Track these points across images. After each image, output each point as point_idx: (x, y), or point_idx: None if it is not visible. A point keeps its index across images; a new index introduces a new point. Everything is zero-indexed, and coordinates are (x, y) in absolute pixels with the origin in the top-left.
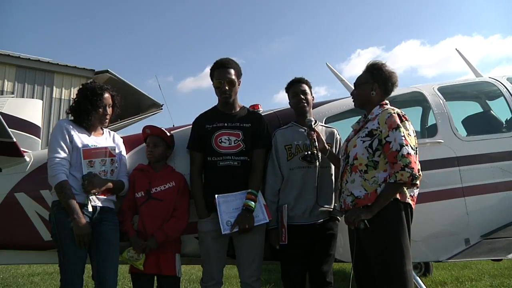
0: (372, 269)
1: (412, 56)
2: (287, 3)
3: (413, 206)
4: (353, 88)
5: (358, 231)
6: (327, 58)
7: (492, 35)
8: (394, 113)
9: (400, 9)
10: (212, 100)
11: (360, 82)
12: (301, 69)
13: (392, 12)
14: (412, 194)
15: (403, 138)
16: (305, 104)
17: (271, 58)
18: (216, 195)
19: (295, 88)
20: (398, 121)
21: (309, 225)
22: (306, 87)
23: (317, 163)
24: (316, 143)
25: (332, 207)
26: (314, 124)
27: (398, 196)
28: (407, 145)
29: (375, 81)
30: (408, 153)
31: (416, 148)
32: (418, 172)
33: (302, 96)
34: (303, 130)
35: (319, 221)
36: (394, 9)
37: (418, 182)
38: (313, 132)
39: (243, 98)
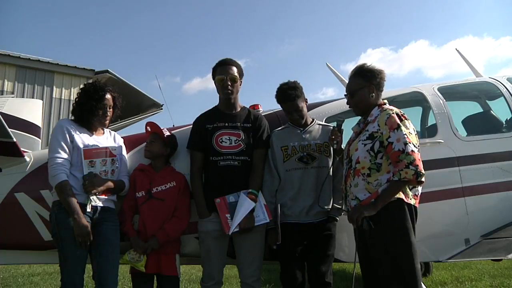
0: (378, 268)
1: (421, 57)
2: (296, 5)
3: (417, 205)
4: None
5: (362, 230)
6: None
7: (503, 37)
8: (393, 113)
9: (412, 9)
10: (217, 101)
11: (354, 88)
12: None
13: (405, 12)
14: (416, 194)
15: (406, 136)
16: (301, 120)
17: (279, 59)
18: (242, 191)
19: (287, 107)
20: (398, 121)
21: (306, 224)
22: (298, 102)
23: (314, 164)
24: (336, 145)
25: (330, 207)
26: (341, 124)
27: (402, 196)
28: (410, 143)
29: (371, 83)
30: (412, 151)
31: (418, 146)
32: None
33: (296, 116)
34: (299, 131)
35: (316, 221)
36: (406, 9)
37: (423, 179)
38: (339, 134)
39: (249, 98)
